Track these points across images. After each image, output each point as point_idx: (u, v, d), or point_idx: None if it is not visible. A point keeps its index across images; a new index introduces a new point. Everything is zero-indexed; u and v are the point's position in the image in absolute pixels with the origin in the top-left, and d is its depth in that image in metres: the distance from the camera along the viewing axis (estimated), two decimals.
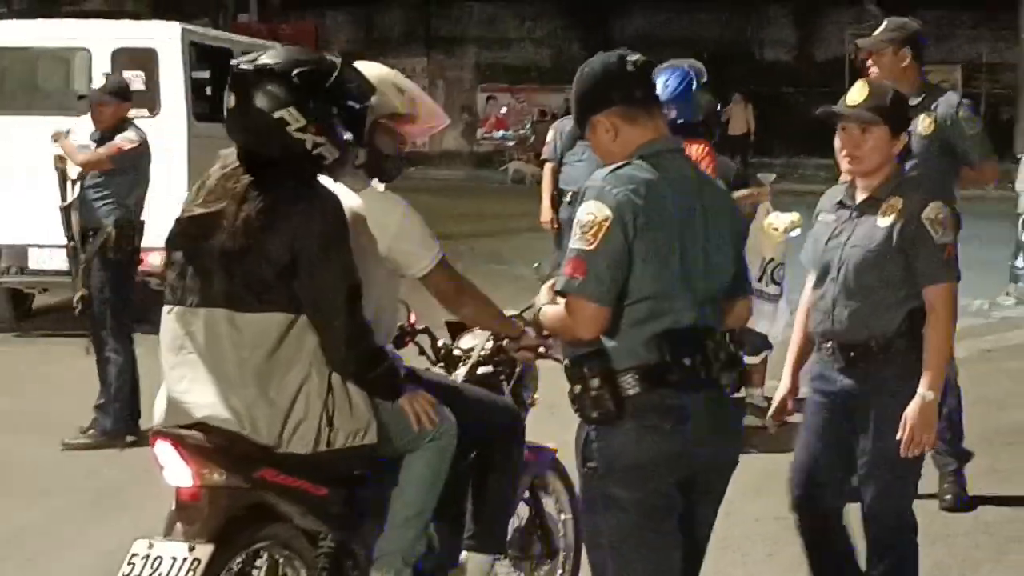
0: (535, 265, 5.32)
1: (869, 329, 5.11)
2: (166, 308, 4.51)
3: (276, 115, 4.38)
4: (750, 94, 33.34)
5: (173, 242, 4.51)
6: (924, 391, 5.01)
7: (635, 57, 4.42)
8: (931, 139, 7.31)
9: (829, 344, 5.22)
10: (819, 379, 5.32)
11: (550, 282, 4.65)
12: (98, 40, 12.95)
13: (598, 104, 4.38)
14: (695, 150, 8.04)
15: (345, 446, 4.44)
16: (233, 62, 4.51)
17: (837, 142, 5.22)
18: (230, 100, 4.44)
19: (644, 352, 4.22)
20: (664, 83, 8.24)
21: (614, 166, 4.28)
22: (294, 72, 4.42)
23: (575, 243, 4.20)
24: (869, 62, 7.58)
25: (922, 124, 7.32)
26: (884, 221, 5.10)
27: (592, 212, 4.19)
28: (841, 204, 5.29)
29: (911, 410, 5.01)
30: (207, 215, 4.39)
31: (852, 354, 5.15)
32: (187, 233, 4.46)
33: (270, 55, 4.48)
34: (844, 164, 5.23)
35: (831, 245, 5.23)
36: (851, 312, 5.14)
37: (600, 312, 4.18)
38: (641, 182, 4.23)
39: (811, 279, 5.40)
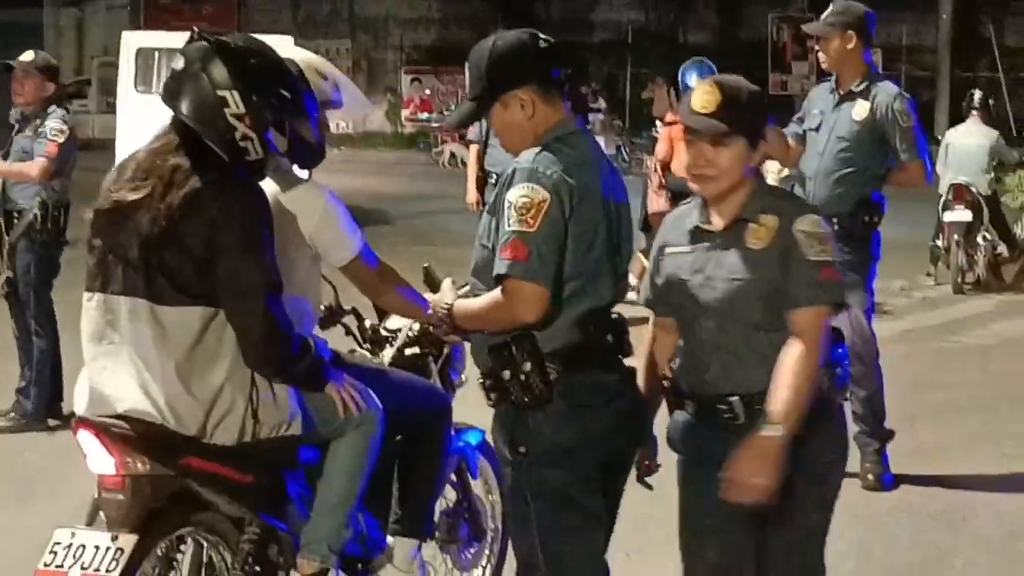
0: (425, 265, 5.24)
1: (755, 379, 4.25)
2: (87, 295, 4.44)
3: (220, 93, 4.32)
4: (672, 77, 33.44)
5: (95, 228, 4.45)
6: (770, 426, 4.12)
7: (545, 36, 4.40)
8: (863, 125, 7.41)
9: (710, 399, 4.35)
10: (692, 437, 4.46)
11: (449, 279, 4.62)
12: None
13: (517, 79, 4.33)
14: None
15: (269, 437, 4.41)
16: (197, 30, 4.45)
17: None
18: (178, 63, 4.37)
19: (570, 332, 4.25)
20: (701, 74, 11.13)
21: (538, 149, 4.27)
22: (251, 59, 4.39)
23: (513, 226, 4.16)
24: (816, 47, 7.67)
25: (857, 109, 7.42)
26: (758, 244, 4.29)
27: (528, 195, 4.17)
28: (698, 231, 4.40)
29: (748, 447, 4.12)
30: (131, 203, 4.33)
31: (726, 409, 4.31)
32: (110, 220, 4.39)
33: (234, 36, 4.45)
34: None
35: (694, 283, 4.35)
36: (730, 361, 4.30)
37: (544, 293, 4.17)
38: (570, 163, 4.24)
39: (652, 321, 4.58)
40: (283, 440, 4.44)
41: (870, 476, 7.51)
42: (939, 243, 14.61)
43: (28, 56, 8.82)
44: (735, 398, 4.31)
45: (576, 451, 4.27)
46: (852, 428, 7.61)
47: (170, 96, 4.40)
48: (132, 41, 19.97)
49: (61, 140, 8.60)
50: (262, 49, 4.49)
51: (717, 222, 4.37)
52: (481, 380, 4.36)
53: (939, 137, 15.59)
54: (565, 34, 41.26)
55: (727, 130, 4.26)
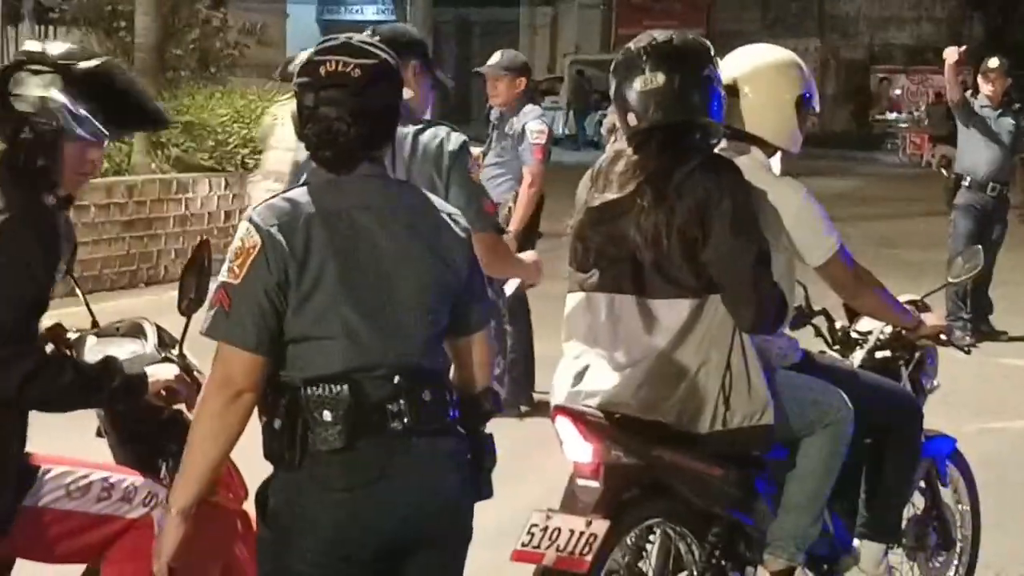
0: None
1: None
2: (572, 295, 4.60)
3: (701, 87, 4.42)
4: None
5: (581, 230, 4.57)
6: None
7: None
8: None
9: None
10: None
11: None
12: None
13: None
14: None
15: (741, 427, 4.45)
16: (642, 43, 4.50)
17: None
18: (656, 79, 4.39)
19: None
20: None
21: None
22: (697, 47, 4.49)
23: None
24: None
25: None
26: None
27: None
28: None
29: None
30: (618, 200, 4.44)
31: None
32: (597, 220, 4.51)
33: (661, 33, 4.50)
34: None
35: None
36: None
37: None
38: None
39: None
40: (754, 432, 4.46)
41: None
42: None
43: (494, 59, 9.30)
44: None
45: None
46: None
47: (658, 109, 4.40)
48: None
49: (543, 141, 9.08)
50: (687, 35, 4.54)
51: None
52: None
53: None
54: None
55: None
